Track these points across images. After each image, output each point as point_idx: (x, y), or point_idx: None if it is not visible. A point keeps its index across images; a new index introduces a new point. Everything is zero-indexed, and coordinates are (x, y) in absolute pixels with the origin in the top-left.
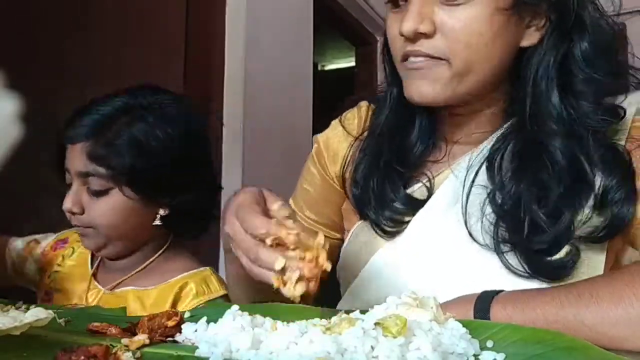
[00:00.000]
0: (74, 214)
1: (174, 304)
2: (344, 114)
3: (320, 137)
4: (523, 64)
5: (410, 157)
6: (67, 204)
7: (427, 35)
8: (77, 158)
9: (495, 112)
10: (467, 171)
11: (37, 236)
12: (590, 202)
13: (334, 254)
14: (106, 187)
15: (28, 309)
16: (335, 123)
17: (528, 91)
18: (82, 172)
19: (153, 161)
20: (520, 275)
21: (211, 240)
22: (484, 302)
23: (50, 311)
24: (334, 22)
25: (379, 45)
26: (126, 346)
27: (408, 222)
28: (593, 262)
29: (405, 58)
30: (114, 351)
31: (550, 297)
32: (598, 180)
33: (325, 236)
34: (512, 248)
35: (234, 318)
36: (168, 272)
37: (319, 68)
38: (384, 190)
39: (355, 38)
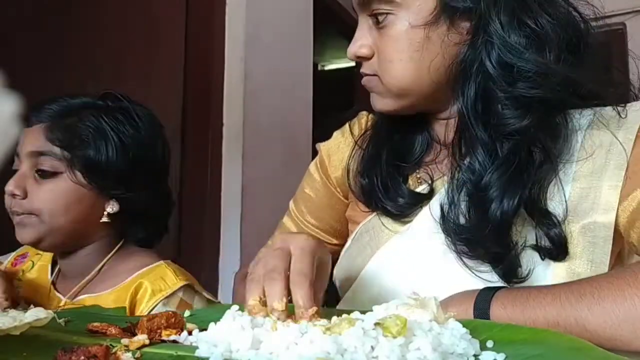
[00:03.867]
0: (14, 196)
1: (132, 308)
2: (345, 125)
3: (323, 145)
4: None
5: (410, 155)
6: (10, 186)
7: (367, 59)
8: (32, 139)
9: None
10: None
11: None
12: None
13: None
14: (57, 169)
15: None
16: (337, 134)
17: (459, 98)
18: (35, 151)
19: (110, 152)
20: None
21: (211, 240)
22: (484, 300)
23: (50, 311)
24: (334, 22)
25: None
26: (126, 346)
27: (412, 214)
28: (599, 232)
29: None
30: (114, 351)
31: (552, 297)
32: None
33: (324, 241)
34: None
35: (234, 318)
36: (123, 272)
37: (319, 68)
38: (386, 184)
39: None
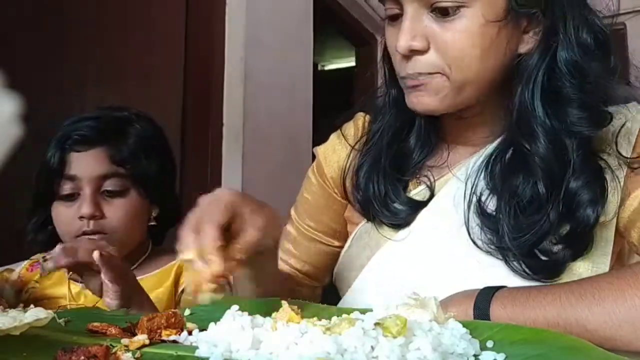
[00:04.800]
0: (93, 218)
1: (177, 286)
2: (342, 127)
3: (320, 148)
4: (515, 71)
5: (410, 160)
6: (89, 209)
7: (421, 52)
8: (93, 163)
9: (497, 116)
10: (468, 176)
11: (8, 266)
12: (560, 206)
13: (331, 262)
14: (124, 187)
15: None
16: (333, 136)
17: (515, 99)
18: (100, 175)
19: (159, 161)
20: (521, 277)
21: None
22: (483, 299)
23: (50, 311)
24: (334, 22)
25: (379, 45)
26: (126, 346)
27: (411, 221)
28: (601, 231)
29: (403, 76)
30: (114, 351)
31: (552, 297)
32: (572, 185)
33: (324, 243)
34: (507, 251)
35: (234, 318)
36: (157, 267)
37: (319, 68)
38: (385, 193)
39: (355, 38)
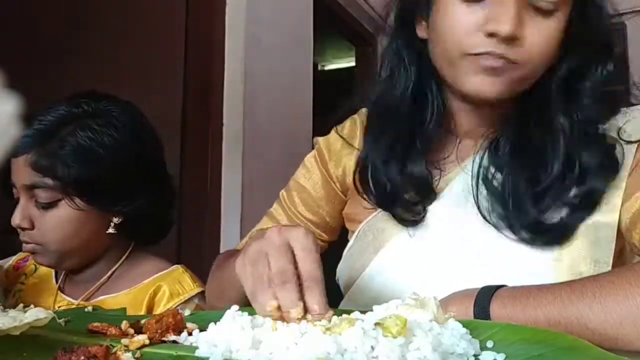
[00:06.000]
0: (23, 229)
1: (149, 310)
2: (346, 121)
3: (322, 139)
4: None
5: (419, 153)
6: (16, 219)
7: (514, 40)
8: (21, 171)
9: (505, 107)
10: (473, 163)
11: None
12: (575, 182)
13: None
14: (54, 198)
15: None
16: (337, 129)
17: (537, 88)
18: (27, 184)
19: (101, 168)
20: (527, 244)
21: (211, 240)
22: (484, 298)
23: (50, 311)
24: (334, 22)
25: (379, 45)
26: (126, 346)
27: (418, 219)
28: (602, 231)
29: (480, 54)
30: (114, 351)
31: (552, 296)
32: (584, 158)
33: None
34: (517, 224)
35: (234, 318)
36: (138, 276)
37: (319, 68)
38: (393, 185)
39: (355, 38)
